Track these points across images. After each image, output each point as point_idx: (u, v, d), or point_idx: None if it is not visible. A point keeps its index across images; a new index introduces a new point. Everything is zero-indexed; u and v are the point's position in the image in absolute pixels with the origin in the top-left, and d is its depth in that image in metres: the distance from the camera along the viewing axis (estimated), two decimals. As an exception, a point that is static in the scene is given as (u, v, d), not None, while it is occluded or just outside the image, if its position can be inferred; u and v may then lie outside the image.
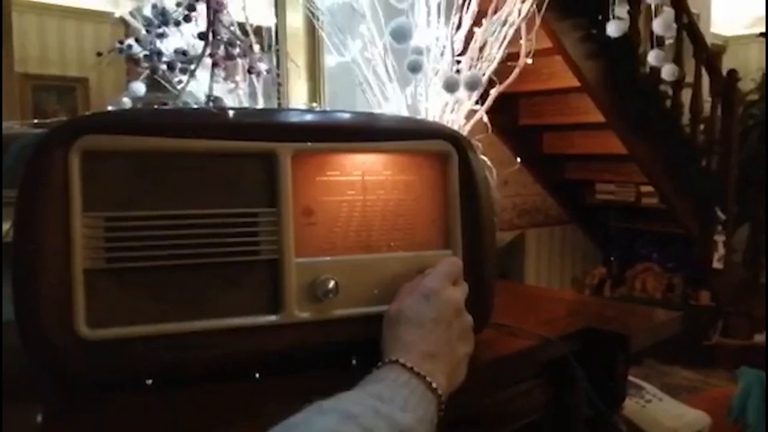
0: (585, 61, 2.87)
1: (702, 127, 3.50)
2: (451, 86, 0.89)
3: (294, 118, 0.68)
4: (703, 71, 3.43)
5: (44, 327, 0.58)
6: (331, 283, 0.66)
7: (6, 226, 0.75)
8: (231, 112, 0.64)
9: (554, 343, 0.77)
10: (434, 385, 0.55)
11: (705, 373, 3.39)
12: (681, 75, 3.18)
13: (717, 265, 3.55)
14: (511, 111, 3.69)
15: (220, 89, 1.18)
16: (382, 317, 0.63)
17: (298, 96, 1.26)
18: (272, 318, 0.65)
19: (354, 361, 0.68)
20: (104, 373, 0.61)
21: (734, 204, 3.57)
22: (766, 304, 3.24)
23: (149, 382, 0.62)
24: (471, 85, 0.90)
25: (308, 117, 0.70)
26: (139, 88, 1.12)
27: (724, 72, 3.52)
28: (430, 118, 0.95)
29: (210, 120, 0.64)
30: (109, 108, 1.00)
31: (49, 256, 0.58)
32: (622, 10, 2.79)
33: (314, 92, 1.25)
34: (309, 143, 0.66)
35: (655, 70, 3.08)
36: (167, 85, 1.12)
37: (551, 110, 3.64)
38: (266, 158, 0.64)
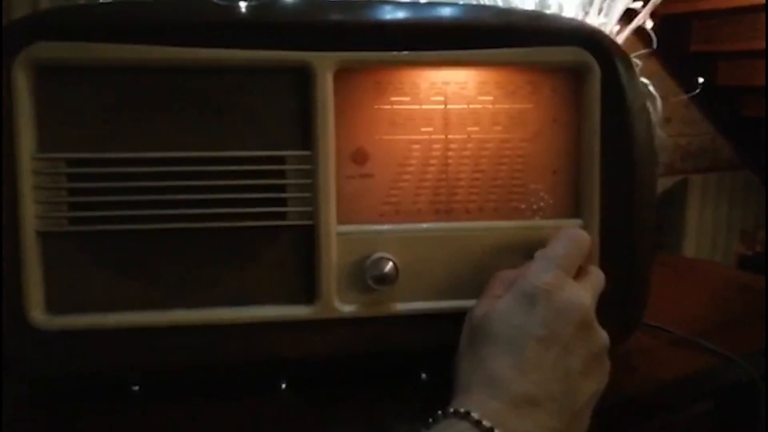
0: (779, -31, 2.33)
1: None
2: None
3: (338, 13, 0.45)
4: None
5: (-12, 311, 0.42)
6: (389, 265, 0.44)
7: None
8: (244, 6, 0.43)
9: (739, 364, 0.50)
10: None
11: None
12: None
13: None
14: (679, 35, 3.15)
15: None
16: (463, 316, 0.41)
17: None
18: (303, 310, 0.45)
19: (423, 376, 0.47)
20: (68, 376, 0.44)
21: None
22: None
23: (135, 389, 0.45)
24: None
25: (361, 11, 0.46)
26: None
27: None
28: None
29: (214, 18, 0.43)
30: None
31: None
32: None
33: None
34: (361, 52, 0.43)
35: None
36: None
37: (729, 33, 3.05)
38: (296, 75, 0.43)
